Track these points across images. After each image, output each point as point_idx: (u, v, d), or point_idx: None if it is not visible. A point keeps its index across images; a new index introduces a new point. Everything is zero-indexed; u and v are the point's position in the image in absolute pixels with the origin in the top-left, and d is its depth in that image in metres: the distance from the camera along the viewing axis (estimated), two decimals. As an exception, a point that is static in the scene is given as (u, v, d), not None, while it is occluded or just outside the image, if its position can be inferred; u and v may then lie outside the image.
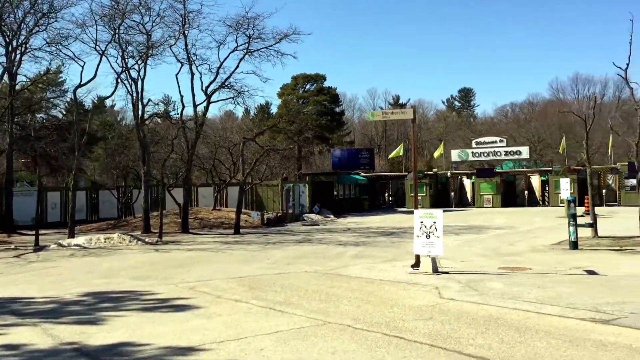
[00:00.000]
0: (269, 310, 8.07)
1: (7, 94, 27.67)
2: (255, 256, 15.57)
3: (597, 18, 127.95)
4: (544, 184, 39.93)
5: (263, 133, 33.92)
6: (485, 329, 6.58)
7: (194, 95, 26.49)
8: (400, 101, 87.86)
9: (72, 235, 21.44)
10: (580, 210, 21.11)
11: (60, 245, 19.56)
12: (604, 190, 37.80)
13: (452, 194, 41.20)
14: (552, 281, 10.00)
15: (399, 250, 15.88)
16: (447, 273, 11.17)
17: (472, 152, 43.09)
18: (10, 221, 26.72)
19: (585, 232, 16.73)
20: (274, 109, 64.70)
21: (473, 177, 40.90)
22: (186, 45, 25.85)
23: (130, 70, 25.44)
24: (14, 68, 26.78)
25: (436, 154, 48.50)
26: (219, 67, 26.42)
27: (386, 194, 46.35)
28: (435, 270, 11.24)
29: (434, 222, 11.22)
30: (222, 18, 34.45)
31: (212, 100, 27.01)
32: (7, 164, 28.62)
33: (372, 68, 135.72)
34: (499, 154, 42.33)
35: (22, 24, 26.12)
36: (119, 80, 25.10)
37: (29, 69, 48.30)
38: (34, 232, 20.98)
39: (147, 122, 27.95)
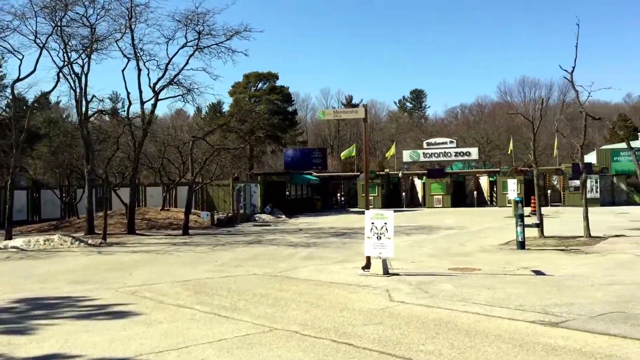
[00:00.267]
0: (213, 317, 7.72)
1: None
2: (203, 258, 15.12)
3: (544, 23, 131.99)
4: (492, 184, 40.73)
5: (213, 132, 33.22)
6: (436, 333, 6.43)
7: (141, 92, 25.65)
8: (353, 101, 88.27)
9: (9, 237, 20.37)
10: (527, 210, 21.54)
11: (-4, 247, 18.54)
12: (549, 191, 38.85)
13: (404, 194, 41.53)
14: (501, 282, 10.00)
15: (350, 251, 15.72)
16: (397, 275, 11.05)
17: (424, 153, 43.58)
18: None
19: (532, 232, 17.01)
20: (226, 108, 63.85)
21: (424, 178, 41.34)
22: (133, 40, 25.00)
23: (73, 64, 24.44)
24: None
25: (388, 155, 48.82)
26: (167, 64, 25.67)
27: (338, 194, 46.36)
28: (386, 272, 11.10)
29: (385, 223, 11.09)
30: (170, 13, 33.82)
31: (160, 97, 26.19)
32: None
33: (326, 68, 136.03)
34: (449, 154, 42.95)
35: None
36: (60, 75, 24.03)
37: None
38: (-33, 234, 19.84)
39: (91, 119, 26.92)
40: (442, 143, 43.71)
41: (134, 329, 7.14)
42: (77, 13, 23.78)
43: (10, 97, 26.52)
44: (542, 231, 17.82)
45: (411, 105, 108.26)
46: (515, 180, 31.70)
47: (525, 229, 15.40)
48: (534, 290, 9.07)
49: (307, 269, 12.47)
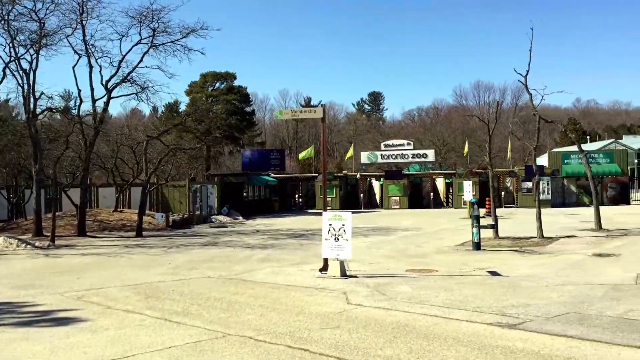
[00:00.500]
0: (164, 322, 7.39)
1: None
2: (156, 261, 14.65)
3: (498, 28, 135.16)
4: (448, 186, 41.22)
5: (169, 131, 32.51)
6: (394, 337, 6.29)
7: (92, 89, 24.83)
8: (312, 103, 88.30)
9: (-50, 239, 19.34)
10: (481, 211, 21.78)
11: None
12: (503, 193, 39.57)
13: (361, 195, 41.61)
14: (458, 283, 9.98)
15: (307, 253, 15.52)
16: (355, 277, 10.91)
17: (381, 155, 43.76)
18: None
19: (487, 233, 17.16)
20: (183, 108, 62.81)
21: (382, 179, 41.52)
22: (84, 35, 24.18)
23: (20, 60, 23.44)
24: None
25: (346, 156, 48.88)
26: (120, 61, 24.93)
27: (297, 196, 46.10)
28: (344, 274, 10.95)
29: (343, 225, 10.94)
30: (124, 9, 32.85)
31: (113, 95, 25.44)
32: None
33: (284, 69, 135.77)
34: (406, 156, 43.25)
35: None
36: (7, 70, 23.04)
37: None
38: None
39: (41, 117, 25.90)
40: (400, 145, 43.98)
41: (78, 336, 6.76)
42: (25, 7, 22.87)
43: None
44: (497, 232, 18.02)
45: (369, 108, 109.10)
46: (470, 182, 32.13)
47: (481, 230, 15.53)
48: (490, 292, 9.06)
49: (263, 271, 12.21)
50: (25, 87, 23.44)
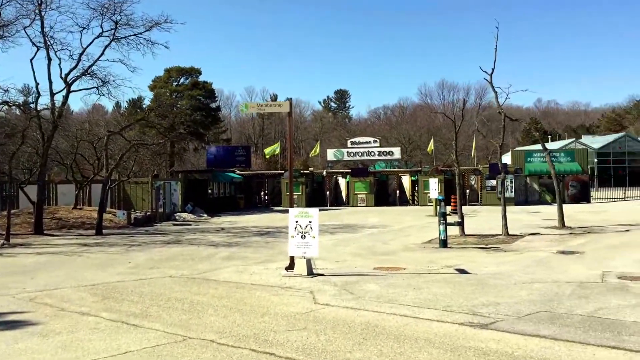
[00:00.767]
0: (120, 325, 6.98)
1: None
2: (115, 260, 14.11)
3: (463, 29, 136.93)
4: (414, 183, 41.36)
5: (131, 127, 31.66)
6: (363, 339, 6.04)
7: (51, 82, 23.90)
8: (278, 100, 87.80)
9: None
10: (447, 209, 21.77)
11: None
12: (467, 191, 39.92)
13: (328, 193, 41.41)
14: (427, 281, 9.83)
15: (273, 250, 15.21)
16: (322, 275, 10.66)
17: (348, 152, 43.67)
18: None
19: (453, 231, 17.14)
20: (147, 103, 61.55)
21: (348, 177, 41.40)
22: (42, 27, 23.24)
23: (-27, 51, 22.43)
24: None
25: (312, 153, 48.62)
26: (81, 54, 24.07)
27: (262, 193, 45.60)
28: (310, 273, 10.68)
29: (310, 222, 10.67)
30: (85, 0, 31.71)
31: (73, 89, 24.56)
32: None
33: (251, 66, 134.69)
34: (372, 154, 43.26)
35: None
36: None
37: None
38: None
39: (-5, 110, 24.88)
40: (366, 142, 43.98)
41: (27, 341, 6.32)
42: (-21, -4, 21.86)
43: None
44: (463, 229, 18.04)
45: (335, 105, 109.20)
46: (436, 180, 32.27)
47: (447, 227, 15.48)
48: (459, 290, 8.93)
49: (227, 270, 11.84)
50: (-22, 78, 22.44)
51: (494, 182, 37.58)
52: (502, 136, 19.60)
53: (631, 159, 63.56)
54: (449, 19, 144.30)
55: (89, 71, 24.36)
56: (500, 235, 17.79)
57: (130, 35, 24.77)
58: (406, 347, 5.71)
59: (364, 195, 39.72)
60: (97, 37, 24.51)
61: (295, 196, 32.84)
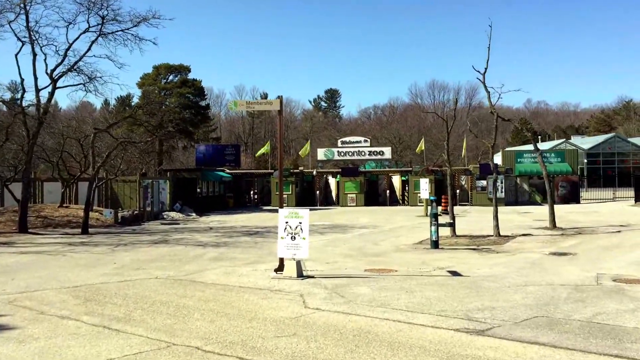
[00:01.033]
0: (102, 330, 6.68)
1: None
2: (100, 260, 13.76)
3: (453, 29, 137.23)
4: (404, 183, 41.21)
5: (118, 124, 31.18)
6: (355, 346, 5.79)
7: (36, 78, 23.41)
8: (268, 99, 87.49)
9: None
10: (438, 209, 21.59)
11: None
12: (458, 191, 39.82)
13: (318, 192, 41.16)
14: (419, 284, 9.60)
15: (262, 251, 14.93)
16: (312, 277, 10.40)
17: (338, 151, 43.45)
18: None
19: (444, 231, 16.95)
20: (136, 101, 60.99)
21: (338, 176, 41.17)
22: (27, 21, 22.75)
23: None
24: None
25: (302, 152, 48.31)
26: (67, 49, 23.59)
27: (252, 192, 45.25)
28: (300, 275, 10.42)
29: (300, 223, 10.41)
30: (72, -6, 31.17)
31: (58, 85, 24.08)
32: None
33: (241, 65, 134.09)
34: (363, 153, 43.07)
35: None
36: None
37: None
38: None
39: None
40: (357, 142, 43.77)
41: (1, 347, 6.01)
42: (-38, -12, 21.37)
43: None
44: (454, 230, 17.86)
45: (326, 105, 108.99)
46: (427, 180, 32.05)
47: (439, 228, 15.28)
48: (453, 293, 8.70)
49: (215, 271, 11.55)
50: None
51: (484, 183, 37.52)
52: (495, 136, 19.45)
53: (620, 159, 63.88)
54: (439, 19, 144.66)
55: (75, 67, 23.90)
56: (492, 236, 17.64)
57: (118, 31, 24.35)
58: (400, 355, 5.46)
59: (354, 195, 39.51)
60: (84, 32, 24.07)
61: (285, 196, 32.54)
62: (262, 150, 46.18)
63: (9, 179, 27.28)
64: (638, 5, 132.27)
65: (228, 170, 42.05)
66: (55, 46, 23.87)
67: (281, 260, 10.72)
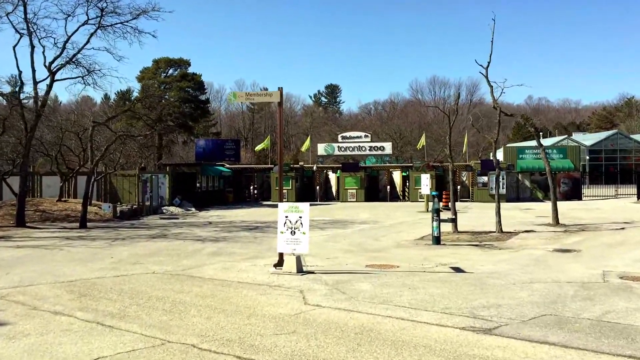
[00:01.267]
0: (95, 327, 6.46)
1: None
2: (97, 254, 13.54)
3: (455, 25, 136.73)
4: (405, 179, 40.98)
5: (117, 117, 30.91)
6: (357, 345, 5.56)
7: (34, 71, 23.18)
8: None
9: None
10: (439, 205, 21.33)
11: None
12: (458, 187, 39.59)
13: (318, 187, 40.94)
14: (422, 280, 9.38)
15: (261, 246, 14.72)
16: (312, 273, 10.18)
17: (338, 147, 43.19)
18: None
19: (445, 227, 16.73)
20: (136, 95, 60.68)
21: (338, 172, 40.93)
22: (26, 13, 22.53)
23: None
24: None
25: (303, 148, 48.07)
26: (66, 42, 23.36)
27: (252, 187, 45.03)
28: (300, 270, 10.21)
29: (300, 217, 10.18)
30: (71, -14, 30.93)
31: (57, 78, 23.87)
32: None
33: (241, 59, 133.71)
34: (363, 149, 42.81)
35: None
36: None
37: None
38: None
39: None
40: (357, 137, 43.51)
41: (-9, 344, 5.79)
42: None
43: None
44: (456, 226, 17.65)
45: (326, 100, 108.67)
46: (428, 176, 31.84)
47: (440, 223, 15.07)
48: (457, 290, 8.48)
49: (213, 266, 11.33)
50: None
51: (485, 179, 37.29)
52: (497, 131, 19.20)
53: (623, 156, 63.64)
54: (441, 15, 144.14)
55: (73, 60, 23.70)
56: (494, 232, 17.42)
57: (117, 24, 24.15)
58: (405, 354, 5.24)
59: (355, 191, 39.29)
60: (83, 24, 23.87)
61: (285, 191, 32.34)
62: (261, 145, 45.89)
63: (7, 172, 27.08)
64: (639, 2, 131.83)
65: (228, 165, 41.82)
66: (54, 38, 23.73)
67: (281, 255, 10.51)
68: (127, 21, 24.15)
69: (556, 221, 19.85)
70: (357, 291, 8.43)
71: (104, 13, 23.68)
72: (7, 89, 29.65)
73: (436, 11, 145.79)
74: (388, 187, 40.94)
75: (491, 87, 19.51)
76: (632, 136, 66.66)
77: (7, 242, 16.57)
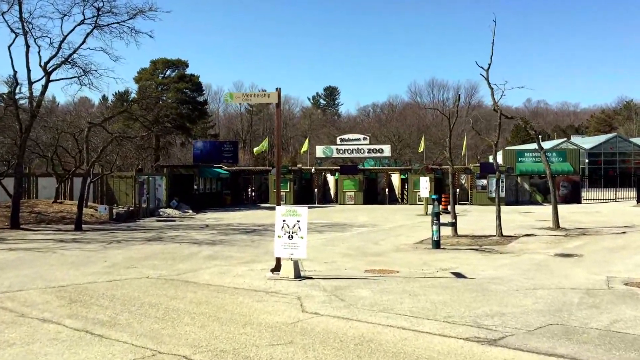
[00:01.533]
0: (83, 336, 6.20)
1: None
2: (91, 257, 13.28)
3: (453, 27, 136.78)
4: (403, 182, 40.76)
5: (113, 118, 30.63)
6: (357, 357, 5.32)
7: (29, 71, 22.92)
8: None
9: None
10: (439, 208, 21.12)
11: None
12: (457, 190, 39.38)
13: (316, 190, 40.70)
14: (423, 287, 9.14)
15: (258, 250, 14.46)
16: (310, 278, 9.94)
17: (337, 149, 42.96)
18: None
19: (445, 231, 16.51)
20: (134, 96, 60.39)
21: (337, 174, 40.69)
22: (21, 12, 22.27)
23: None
24: None
25: (302, 150, 47.83)
26: (61, 41, 23.07)
27: (249, 189, 44.76)
28: (298, 275, 9.96)
29: (298, 221, 9.94)
30: (66, -15, 30.64)
31: (52, 78, 23.59)
32: None
33: (239, 61, 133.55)
34: (362, 151, 42.59)
35: None
36: None
37: None
38: None
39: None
40: (356, 139, 43.29)
41: (-27, 355, 5.54)
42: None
43: None
44: (455, 230, 17.42)
45: (324, 102, 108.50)
46: (427, 178, 31.62)
47: (440, 227, 14.84)
48: (458, 297, 8.25)
49: (209, 270, 11.08)
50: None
51: (484, 182, 37.07)
52: (498, 134, 19.00)
53: (622, 159, 63.52)
54: (439, 18, 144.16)
55: (69, 60, 23.40)
56: (494, 236, 17.21)
57: (113, 23, 23.86)
58: (407, 367, 5.00)
59: (353, 193, 39.05)
60: (79, 24, 23.58)
61: (282, 193, 32.06)
62: (260, 147, 45.64)
63: (2, 173, 26.78)
64: (638, 5, 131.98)
65: (226, 167, 41.55)
66: (50, 38, 23.46)
67: (278, 260, 10.26)
68: (123, 21, 23.88)
69: (556, 225, 19.65)
70: (357, 298, 8.19)
71: (100, 13, 23.43)
72: (2, 89, 29.44)
73: (435, 14, 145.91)
74: (387, 189, 40.71)
75: (492, 89, 19.31)
76: (631, 139, 66.54)
77: (0, 245, 16.29)
